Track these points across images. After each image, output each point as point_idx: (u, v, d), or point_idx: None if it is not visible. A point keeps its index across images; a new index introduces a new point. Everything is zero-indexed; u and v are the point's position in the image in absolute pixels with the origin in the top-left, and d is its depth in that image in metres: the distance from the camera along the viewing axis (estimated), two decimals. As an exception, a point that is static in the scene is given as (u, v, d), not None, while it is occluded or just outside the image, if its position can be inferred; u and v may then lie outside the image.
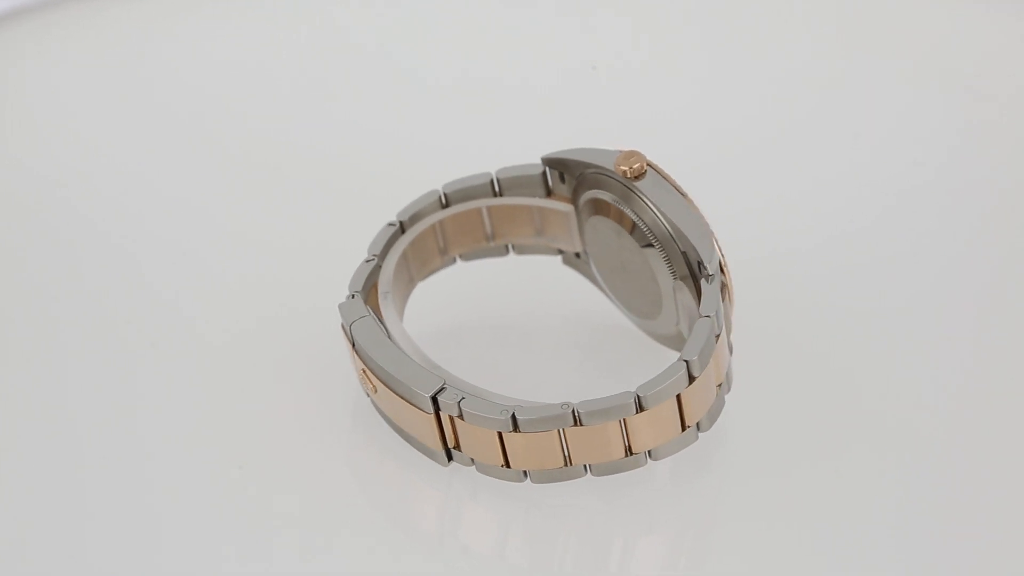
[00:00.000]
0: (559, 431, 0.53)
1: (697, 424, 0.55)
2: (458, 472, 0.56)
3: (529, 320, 0.62)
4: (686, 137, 0.69)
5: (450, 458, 0.55)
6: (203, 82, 0.72)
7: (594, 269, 0.60)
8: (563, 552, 0.56)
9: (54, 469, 0.57)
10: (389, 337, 0.56)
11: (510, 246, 0.61)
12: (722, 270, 0.56)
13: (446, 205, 0.59)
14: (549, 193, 0.60)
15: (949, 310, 0.62)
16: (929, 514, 0.56)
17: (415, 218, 0.59)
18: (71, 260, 0.64)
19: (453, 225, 0.60)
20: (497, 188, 0.60)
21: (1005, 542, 0.55)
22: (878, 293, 0.62)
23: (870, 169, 0.68)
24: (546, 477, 0.54)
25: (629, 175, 0.57)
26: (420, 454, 0.56)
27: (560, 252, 0.61)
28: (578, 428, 0.53)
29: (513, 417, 0.53)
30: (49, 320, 0.62)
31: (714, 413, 0.55)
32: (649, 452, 0.55)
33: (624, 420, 0.53)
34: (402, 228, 0.59)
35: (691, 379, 0.54)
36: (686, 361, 0.53)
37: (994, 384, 0.59)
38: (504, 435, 0.53)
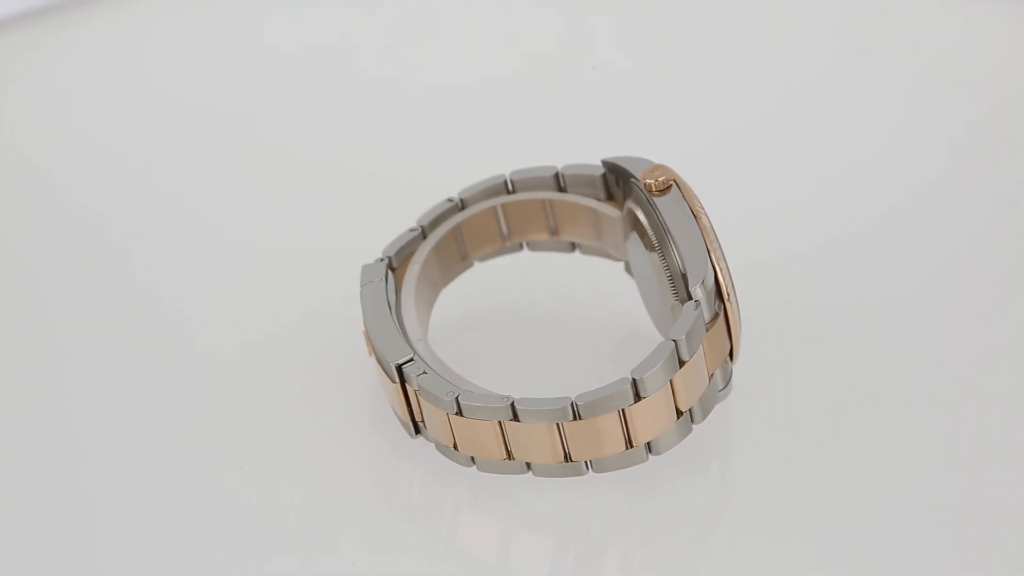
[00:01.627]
0: (498, 423, 0.54)
1: (648, 445, 0.54)
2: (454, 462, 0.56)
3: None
4: (687, 138, 0.68)
5: (417, 431, 0.57)
6: (210, 85, 0.73)
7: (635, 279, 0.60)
8: (543, 556, 0.56)
9: (55, 469, 0.57)
10: (394, 305, 0.58)
11: (576, 245, 0.61)
12: (723, 299, 0.55)
13: (512, 191, 0.61)
14: (610, 197, 0.60)
15: (950, 310, 0.60)
16: (931, 516, 0.55)
17: (477, 198, 0.60)
18: (76, 262, 0.65)
19: (515, 212, 0.61)
20: (562, 183, 0.60)
21: (1010, 543, 0.53)
22: (879, 294, 0.61)
23: (871, 170, 0.66)
24: (489, 467, 0.55)
25: (652, 189, 0.56)
26: (428, 457, 0.57)
27: (620, 260, 0.61)
28: (516, 424, 0.54)
29: (457, 400, 0.54)
30: (51, 321, 0.63)
31: (671, 440, 0.55)
32: (589, 462, 0.55)
33: (561, 425, 0.54)
34: (463, 205, 0.61)
35: (638, 397, 0.53)
36: (634, 379, 0.53)
37: (998, 385, 0.58)
38: (450, 417, 0.55)
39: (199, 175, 0.70)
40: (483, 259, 0.62)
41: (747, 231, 0.62)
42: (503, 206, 0.60)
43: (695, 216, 0.56)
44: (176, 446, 0.58)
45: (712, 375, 0.55)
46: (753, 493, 0.56)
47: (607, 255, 0.61)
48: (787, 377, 0.58)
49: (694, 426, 0.55)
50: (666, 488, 0.56)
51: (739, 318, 0.56)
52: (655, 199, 0.56)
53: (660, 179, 0.56)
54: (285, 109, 0.73)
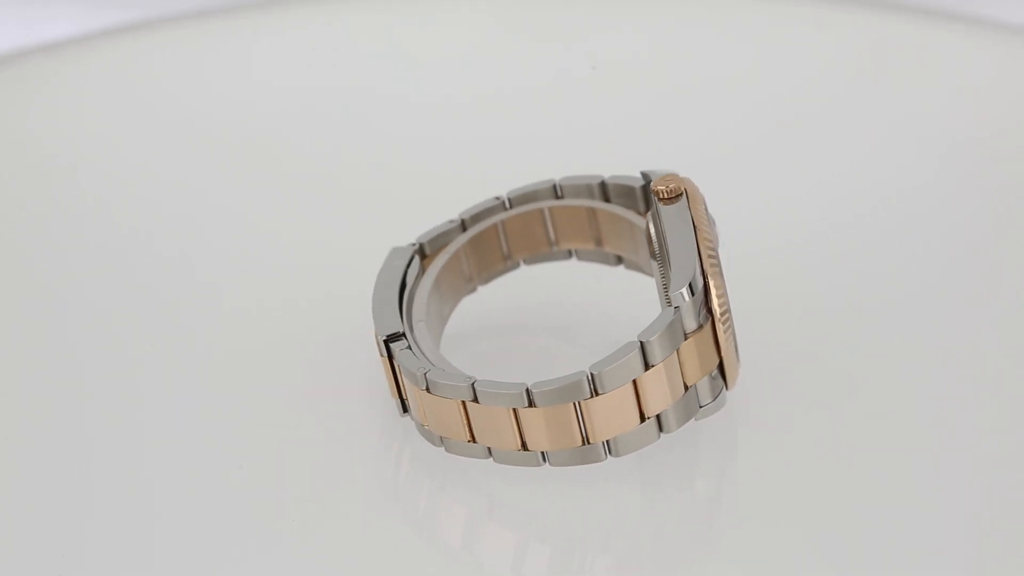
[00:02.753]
0: (461, 404, 0.54)
1: (607, 444, 0.54)
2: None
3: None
4: (687, 137, 0.67)
5: (406, 409, 0.57)
6: (228, 95, 0.74)
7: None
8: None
9: (54, 467, 0.57)
10: (410, 287, 0.59)
11: (621, 258, 0.61)
12: (713, 315, 0.54)
13: (560, 197, 0.61)
14: (648, 210, 0.59)
15: (951, 311, 0.60)
16: (933, 517, 0.53)
17: (524, 199, 0.60)
18: (81, 263, 0.66)
19: (561, 217, 0.60)
20: (606, 193, 0.60)
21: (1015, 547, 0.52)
22: (879, 296, 0.61)
23: (871, 171, 0.65)
24: (455, 448, 0.55)
25: (661, 196, 0.56)
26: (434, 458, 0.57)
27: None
28: (476, 406, 0.54)
29: (426, 376, 0.54)
30: (50, 320, 0.64)
31: (632, 443, 0.54)
32: (544, 454, 0.54)
33: (515, 411, 0.53)
34: (509, 205, 0.61)
35: (595, 392, 0.53)
36: (591, 373, 0.53)
37: (1004, 389, 0.56)
38: (421, 394, 0.55)
39: (205, 177, 0.71)
40: (530, 262, 0.61)
41: (745, 229, 0.61)
42: (550, 210, 0.60)
43: (695, 226, 0.54)
44: (176, 444, 0.58)
45: (691, 386, 0.54)
46: (737, 516, 0.55)
47: (641, 269, 0.60)
48: (789, 390, 0.58)
49: (664, 435, 0.54)
50: (647, 498, 0.56)
51: (734, 340, 0.54)
52: (661, 207, 0.55)
53: (670, 187, 0.56)
54: (290, 111, 0.74)
